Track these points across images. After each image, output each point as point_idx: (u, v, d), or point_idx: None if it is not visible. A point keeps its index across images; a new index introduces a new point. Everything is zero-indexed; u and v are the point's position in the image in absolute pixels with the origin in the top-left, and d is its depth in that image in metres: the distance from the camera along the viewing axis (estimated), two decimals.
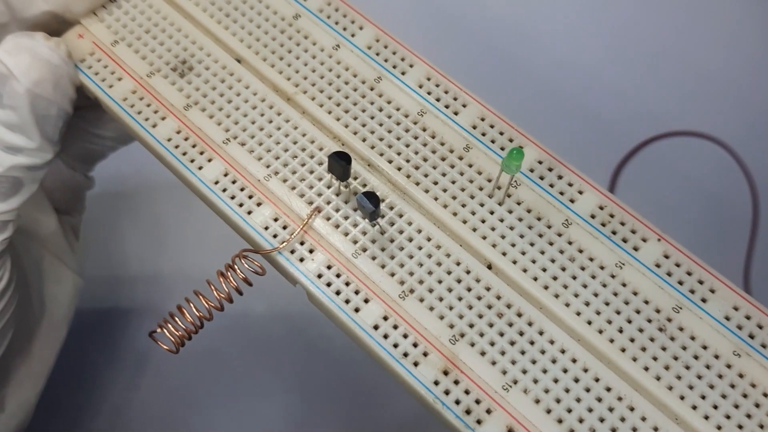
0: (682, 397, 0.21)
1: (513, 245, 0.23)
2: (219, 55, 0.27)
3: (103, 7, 0.28)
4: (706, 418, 0.21)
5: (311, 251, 0.23)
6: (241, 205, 0.24)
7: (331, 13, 0.27)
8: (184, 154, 0.25)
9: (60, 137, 0.26)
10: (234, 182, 0.25)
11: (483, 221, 0.23)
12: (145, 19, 0.28)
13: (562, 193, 0.24)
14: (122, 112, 0.26)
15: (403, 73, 0.26)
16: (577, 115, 0.43)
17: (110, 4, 0.28)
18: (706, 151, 0.41)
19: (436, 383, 0.21)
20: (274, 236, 0.24)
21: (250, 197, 0.24)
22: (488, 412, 0.21)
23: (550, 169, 0.24)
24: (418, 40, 0.28)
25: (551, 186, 0.24)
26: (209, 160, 0.25)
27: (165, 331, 0.21)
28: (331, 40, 0.27)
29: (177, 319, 0.22)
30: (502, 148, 0.25)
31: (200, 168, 0.25)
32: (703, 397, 0.21)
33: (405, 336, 0.22)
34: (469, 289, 0.22)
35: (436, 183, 0.24)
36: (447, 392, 0.21)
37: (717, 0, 0.46)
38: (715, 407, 0.21)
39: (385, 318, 0.22)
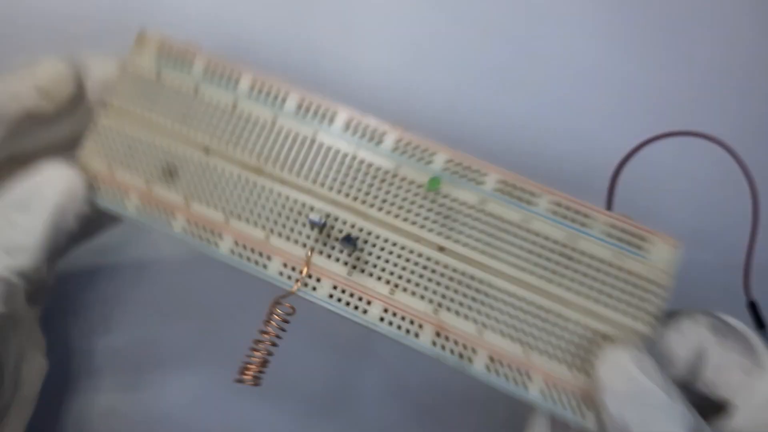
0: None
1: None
2: (188, 152, 0.34)
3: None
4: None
5: (318, 280, 0.32)
6: (256, 262, 0.33)
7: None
8: (200, 237, 0.33)
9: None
10: (245, 247, 0.33)
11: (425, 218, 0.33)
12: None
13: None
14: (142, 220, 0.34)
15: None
16: (576, 114, 0.44)
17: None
18: (706, 151, 0.40)
19: (434, 344, 0.31)
20: (289, 278, 0.32)
21: (261, 254, 0.33)
22: (474, 351, 0.31)
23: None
24: None
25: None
26: (221, 236, 0.33)
27: (245, 375, 0.30)
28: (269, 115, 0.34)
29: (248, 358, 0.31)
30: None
31: (216, 245, 0.33)
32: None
33: (403, 318, 0.32)
34: (433, 271, 0.32)
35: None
36: (443, 347, 0.31)
37: None
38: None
39: (386, 311, 0.32)
